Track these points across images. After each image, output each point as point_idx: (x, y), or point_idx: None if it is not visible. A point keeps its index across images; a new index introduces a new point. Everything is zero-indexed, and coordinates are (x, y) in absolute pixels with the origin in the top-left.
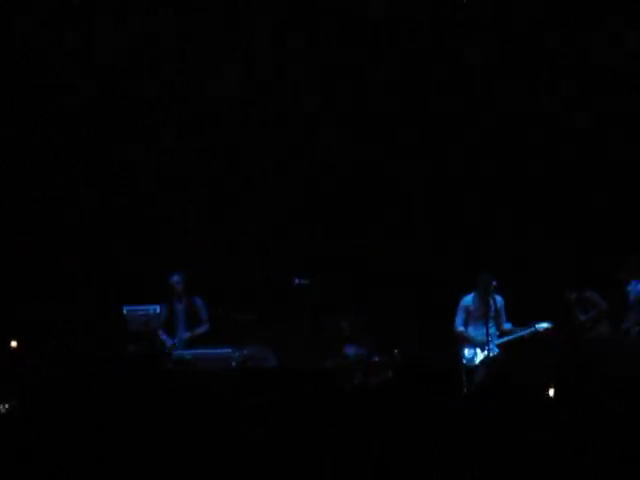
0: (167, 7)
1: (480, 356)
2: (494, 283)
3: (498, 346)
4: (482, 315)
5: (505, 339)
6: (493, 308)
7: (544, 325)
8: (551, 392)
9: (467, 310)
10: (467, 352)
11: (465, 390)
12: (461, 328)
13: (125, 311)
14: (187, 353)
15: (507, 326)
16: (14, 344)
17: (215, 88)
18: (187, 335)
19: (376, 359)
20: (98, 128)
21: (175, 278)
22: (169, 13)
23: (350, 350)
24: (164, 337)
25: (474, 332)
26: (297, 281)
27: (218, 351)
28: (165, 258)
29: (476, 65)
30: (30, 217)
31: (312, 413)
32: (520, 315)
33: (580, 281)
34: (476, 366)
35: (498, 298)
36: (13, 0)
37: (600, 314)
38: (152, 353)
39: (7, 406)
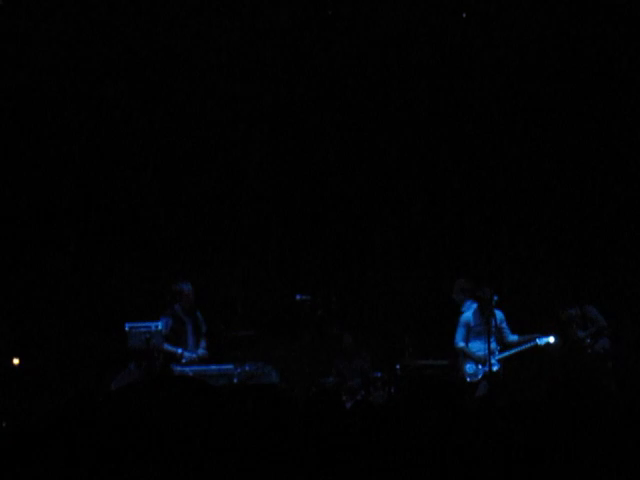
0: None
1: (481, 371)
2: (495, 298)
3: (499, 361)
4: (483, 330)
5: (506, 354)
6: (494, 323)
7: (546, 339)
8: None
9: (468, 326)
10: (468, 367)
11: (467, 405)
12: (462, 344)
13: (127, 328)
14: (188, 369)
15: (513, 338)
16: (16, 361)
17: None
18: (203, 352)
19: (378, 375)
20: (102, 141)
21: (188, 287)
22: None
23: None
24: (179, 350)
25: (475, 347)
26: (299, 297)
27: (220, 367)
28: (165, 274)
29: (477, 74)
30: (31, 229)
31: (315, 430)
32: (520, 331)
33: (580, 296)
34: (478, 381)
35: (498, 313)
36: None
37: (599, 330)
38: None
39: (4, 424)
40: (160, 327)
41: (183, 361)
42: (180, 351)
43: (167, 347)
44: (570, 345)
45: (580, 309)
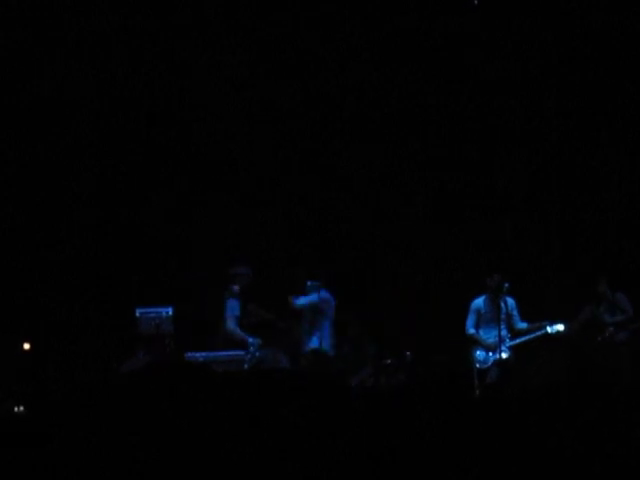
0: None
1: (491, 358)
2: (506, 285)
3: (509, 348)
4: (493, 317)
5: (516, 341)
6: (504, 310)
7: (556, 327)
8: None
9: (478, 312)
10: (479, 354)
11: (477, 392)
12: (472, 330)
13: (137, 313)
14: (199, 355)
15: (522, 325)
16: (27, 346)
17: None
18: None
19: (388, 361)
20: (109, 128)
21: (250, 271)
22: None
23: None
24: (250, 339)
25: (485, 334)
26: (309, 283)
27: (230, 353)
28: (178, 261)
29: (482, 75)
30: (40, 215)
31: (322, 416)
32: (537, 312)
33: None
34: (488, 368)
35: (509, 300)
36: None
37: (626, 321)
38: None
39: (22, 408)
40: (170, 313)
41: (251, 349)
42: (250, 340)
43: (240, 333)
44: (591, 323)
45: (612, 295)
